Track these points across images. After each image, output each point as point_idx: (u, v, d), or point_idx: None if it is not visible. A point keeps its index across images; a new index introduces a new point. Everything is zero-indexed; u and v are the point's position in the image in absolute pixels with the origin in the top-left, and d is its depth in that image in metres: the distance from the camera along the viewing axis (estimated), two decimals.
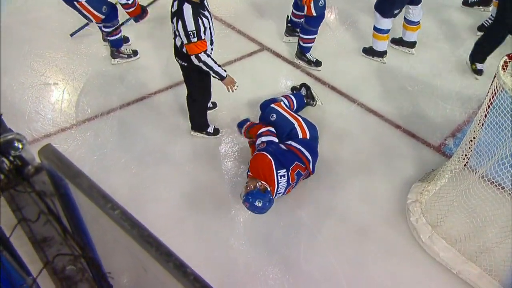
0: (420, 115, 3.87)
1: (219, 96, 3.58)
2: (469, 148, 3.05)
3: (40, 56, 4.34)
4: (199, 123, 3.57)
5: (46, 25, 4.66)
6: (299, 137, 3.26)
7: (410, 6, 4.12)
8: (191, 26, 2.85)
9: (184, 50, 3.03)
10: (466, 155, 3.09)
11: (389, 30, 4.21)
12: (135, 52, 4.34)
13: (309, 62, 4.27)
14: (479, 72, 4.21)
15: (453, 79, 4.25)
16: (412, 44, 4.45)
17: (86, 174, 1.04)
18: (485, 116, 2.87)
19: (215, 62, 3.06)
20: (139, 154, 3.55)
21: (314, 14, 3.87)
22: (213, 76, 3.15)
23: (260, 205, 2.84)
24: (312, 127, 3.38)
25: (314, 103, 3.87)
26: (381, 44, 4.31)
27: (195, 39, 2.89)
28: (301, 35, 4.14)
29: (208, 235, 3.06)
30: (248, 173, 3.08)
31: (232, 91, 3.26)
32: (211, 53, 3.10)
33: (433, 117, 3.88)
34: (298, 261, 2.93)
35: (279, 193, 3.06)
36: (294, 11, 4.32)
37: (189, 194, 3.27)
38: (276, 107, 3.44)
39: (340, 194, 3.30)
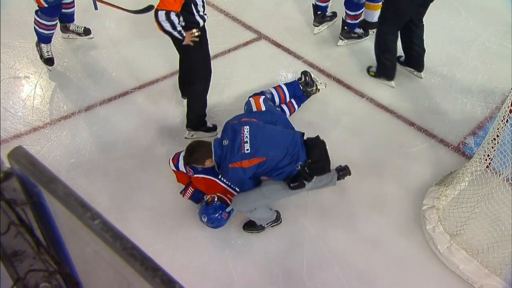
0: (436, 111, 3.87)
1: (212, 89, 3.57)
2: (492, 147, 3.06)
3: (9, 46, 4.32)
4: (198, 116, 3.55)
5: (15, 11, 4.64)
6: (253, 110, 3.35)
7: None
8: None
9: None
10: (488, 155, 3.10)
11: None
12: (87, 31, 4.38)
13: (359, 36, 4.40)
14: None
15: (474, 70, 4.26)
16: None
17: (62, 179, 1.05)
18: (510, 111, 2.88)
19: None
20: (121, 156, 3.54)
21: None
22: (174, 37, 3.08)
23: (205, 220, 3.02)
24: (272, 109, 3.39)
25: (314, 89, 3.81)
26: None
27: None
28: (348, 12, 4.24)
29: (200, 247, 3.06)
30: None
31: (195, 36, 3.17)
32: (205, 19, 3.16)
33: (452, 113, 3.89)
34: (300, 275, 2.94)
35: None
36: None
37: (178, 200, 3.26)
38: (250, 99, 3.47)
39: (347, 200, 3.31)
